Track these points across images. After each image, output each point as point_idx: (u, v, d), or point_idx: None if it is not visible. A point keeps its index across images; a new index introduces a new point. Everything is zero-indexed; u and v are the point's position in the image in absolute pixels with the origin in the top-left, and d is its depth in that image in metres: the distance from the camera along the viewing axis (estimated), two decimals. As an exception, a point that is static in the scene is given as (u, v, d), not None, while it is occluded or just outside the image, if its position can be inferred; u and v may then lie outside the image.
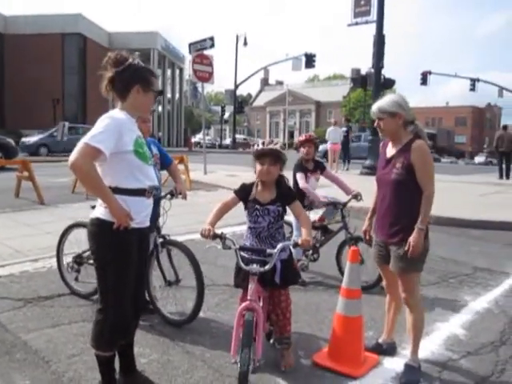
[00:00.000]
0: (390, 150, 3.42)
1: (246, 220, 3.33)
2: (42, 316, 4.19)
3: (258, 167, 3.19)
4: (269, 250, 3.04)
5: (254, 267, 3.01)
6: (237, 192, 3.30)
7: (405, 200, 3.26)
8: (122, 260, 2.82)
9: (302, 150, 5.49)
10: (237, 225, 6.84)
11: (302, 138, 5.59)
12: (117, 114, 2.81)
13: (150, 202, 2.96)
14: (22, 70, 38.42)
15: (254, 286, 3.01)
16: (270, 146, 3.15)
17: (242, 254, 3.15)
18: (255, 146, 3.23)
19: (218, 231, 3.12)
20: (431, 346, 3.87)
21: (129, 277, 2.89)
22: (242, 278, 3.22)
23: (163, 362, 3.47)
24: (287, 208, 3.30)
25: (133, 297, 2.96)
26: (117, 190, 2.76)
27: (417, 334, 3.37)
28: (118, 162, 2.74)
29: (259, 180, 3.25)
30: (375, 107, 3.40)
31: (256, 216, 3.23)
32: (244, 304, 2.99)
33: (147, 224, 2.98)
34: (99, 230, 2.81)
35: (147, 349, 3.65)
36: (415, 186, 3.22)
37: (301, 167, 5.44)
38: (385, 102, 3.37)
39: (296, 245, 3.10)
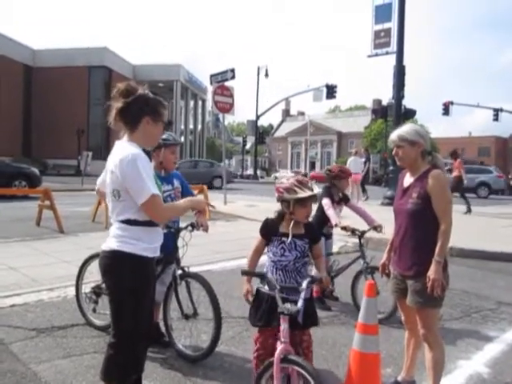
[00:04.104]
0: (407, 180, 3.35)
1: (269, 254, 3.20)
2: (54, 346, 4.14)
3: (300, 210, 3.06)
4: (301, 287, 2.90)
5: (291, 307, 2.79)
6: (263, 233, 3.23)
7: (421, 231, 3.17)
8: (139, 292, 2.77)
9: (339, 182, 5.54)
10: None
11: (339, 169, 5.62)
12: (133, 150, 2.72)
13: (162, 231, 2.97)
14: (49, 101, 39.47)
15: (287, 327, 2.81)
16: (311, 193, 3.01)
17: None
18: (297, 190, 3.01)
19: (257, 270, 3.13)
20: (453, 385, 3.71)
21: (145, 309, 2.84)
22: (258, 318, 3.07)
23: (173, 396, 3.38)
24: None
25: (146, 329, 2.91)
26: (136, 223, 2.73)
27: (437, 372, 3.22)
28: None
29: (290, 217, 3.12)
30: (395, 135, 3.34)
31: (283, 249, 3.11)
32: (282, 347, 2.77)
33: (158, 254, 2.94)
34: (115, 263, 2.76)
35: (157, 383, 3.56)
36: (432, 217, 3.12)
37: (329, 194, 5.48)
38: (405, 130, 3.32)
39: (313, 281, 3.01)
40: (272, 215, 3.26)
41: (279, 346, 2.78)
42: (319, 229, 5.15)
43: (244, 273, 3.03)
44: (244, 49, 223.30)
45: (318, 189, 3.06)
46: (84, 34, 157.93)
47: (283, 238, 3.11)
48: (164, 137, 4.36)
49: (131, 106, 2.76)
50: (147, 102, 2.83)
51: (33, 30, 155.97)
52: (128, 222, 2.73)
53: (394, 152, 3.35)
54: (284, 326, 2.81)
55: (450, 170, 15.76)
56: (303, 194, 3.00)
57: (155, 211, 2.69)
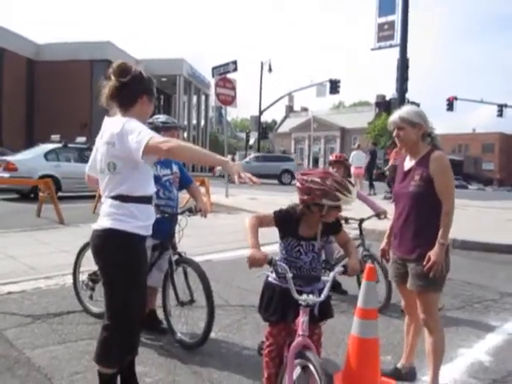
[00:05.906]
0: (408, 163, 3.27)
1: (281, 249, 2.86)
2: (49, 333, 4.09)
3: (333, 213, 2.69)
4: (324, 278, 2.73)
5: (311, 298, 2.58)
6: (278, 218, 2.77)
7: (424, 214, 3.10)
8: (131, 270, 2.71)
9: (331, 170, 5.46)
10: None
11: (333, 157, 5.53)
12: None
13: (154, 210, 2.90)
14: (52, 94, 39.42)
15: (307, 320, 2.60)
16: (355, 197, 2.66)
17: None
18: (340, 195, 2.58)
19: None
20: (454, 372, 3.64)
21: (139, 289, 2.79)
22: (271, 312, 2.78)
23: (169, 382, 3.33)
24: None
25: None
26: (129, 199, 2.67)
27: (437, 357, 3.15)
28: (137, 171, 2.68)
29: (320, 219, 2.74)
30: (396, 116, 3.26)
31: (299, 252, 2.79)
32: (300, 340, 2.57)
33: (150, 232, 2.87)
34: (108, 241, 2.70)
35: (153, 368, 3.50)
36: (435, 199, 3.05)
37: None
38: (406, 111, 3.23)
39: (345, 271, 2.74)
40: (273, 208, 2.88)
41: (296, 339, 2.58)
42: None
43: (253, 261, 2.50)
44: (244, 47, 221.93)
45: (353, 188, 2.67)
46: (86, 30, 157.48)
47: (301, 242, 2.78)
48: (163, 119, 4.26)
49: (128, 86, 2.73)
50: (143, 81, 2.81)
51: (34, 27, 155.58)
52: (121, 197, 2.66)
53: (394, 133, 3.27)
54: (304, 318, 2.58)
55: (387, 161, 16.13)
56: (347, 198, 2.60)
57: (162, 143, 2.47)
